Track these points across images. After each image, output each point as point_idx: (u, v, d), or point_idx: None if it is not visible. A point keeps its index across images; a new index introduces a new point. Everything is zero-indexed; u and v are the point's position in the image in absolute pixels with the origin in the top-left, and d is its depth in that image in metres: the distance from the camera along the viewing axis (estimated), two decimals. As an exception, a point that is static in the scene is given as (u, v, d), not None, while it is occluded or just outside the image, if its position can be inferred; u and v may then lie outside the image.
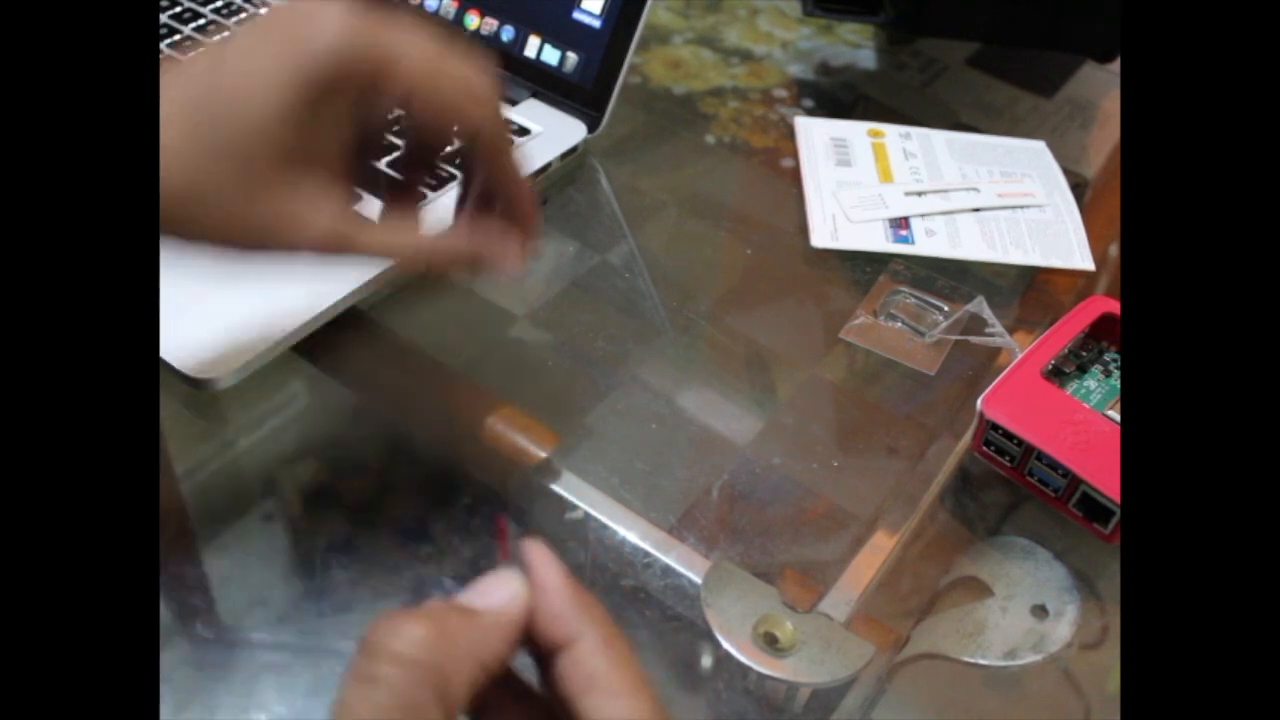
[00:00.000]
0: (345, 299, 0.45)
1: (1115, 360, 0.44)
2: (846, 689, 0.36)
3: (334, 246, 0.33)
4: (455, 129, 0.33)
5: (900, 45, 0.71)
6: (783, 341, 0.49)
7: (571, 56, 0.56)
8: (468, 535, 0.39)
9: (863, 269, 0.52)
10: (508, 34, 0.58)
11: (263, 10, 0.43)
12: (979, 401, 0.40)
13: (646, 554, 0.39)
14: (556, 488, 0.41)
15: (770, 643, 0.36)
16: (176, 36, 0.53)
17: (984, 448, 0.42)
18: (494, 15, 0.58)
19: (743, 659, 0.35)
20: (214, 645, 0.35)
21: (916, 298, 0.50)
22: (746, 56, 0.68)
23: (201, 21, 0.53)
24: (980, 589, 0.39)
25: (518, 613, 0.25)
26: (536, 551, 0.26)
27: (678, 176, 0.58)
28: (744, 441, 0.44)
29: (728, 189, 0.59)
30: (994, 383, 0.41)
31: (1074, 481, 0.39)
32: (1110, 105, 0.68)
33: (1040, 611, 0.38)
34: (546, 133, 0.55)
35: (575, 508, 0.40)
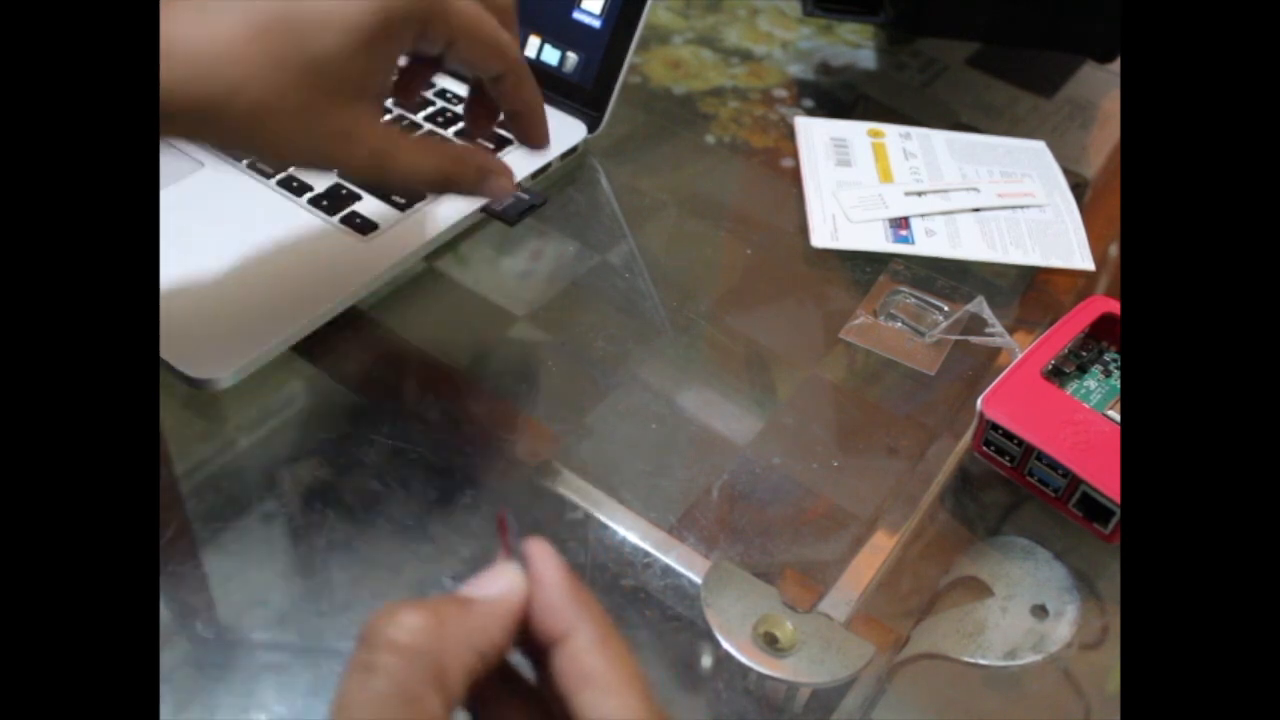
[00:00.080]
0: (345, 299, 0.45)
1: (1115, 360, 0.44)
2: (846, 689, 0.36)
3: (376, 165, 0.38)
4: (487, 69, 0.40)
5: (900, 45, 0.71)
6: (783, 341, 0.49)
7: (571, 56, 0.56)
8: (468, 535, 0.39)
9: (863, 269, 0.52)
10: (508, 34, 0.58)
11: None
12: (979, 401, 0.40)
13: (646, 554, 0.39)
14: (556, 488, 0.41)
15: (770, 643, 0.36)
16: None
17: (984, 448, 0.42)
18: (494, 15, 0.58)
19: (743, 659, 0.35)
20: (214, 645, 0.35)
21: (916, 298, 0.50)
22: (746, 56, 0.68)
23: None
24: (980, 589, 0.39)
25: (515, 603, 0.25)
26: (538, 547, 0.26)
27: (678, 176, 0.58)
28: (744, 441, 0.44)
29: (728, 189, 0.59)
30: (994, 383, 0.41)
31: (1074, 481, 0.39)
32: (1110, 105, 0.68)
33: (1040, 611, 0.38)
34: (546, 133, 0.55)
35: (575, 508, 0.40)
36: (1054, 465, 0.39)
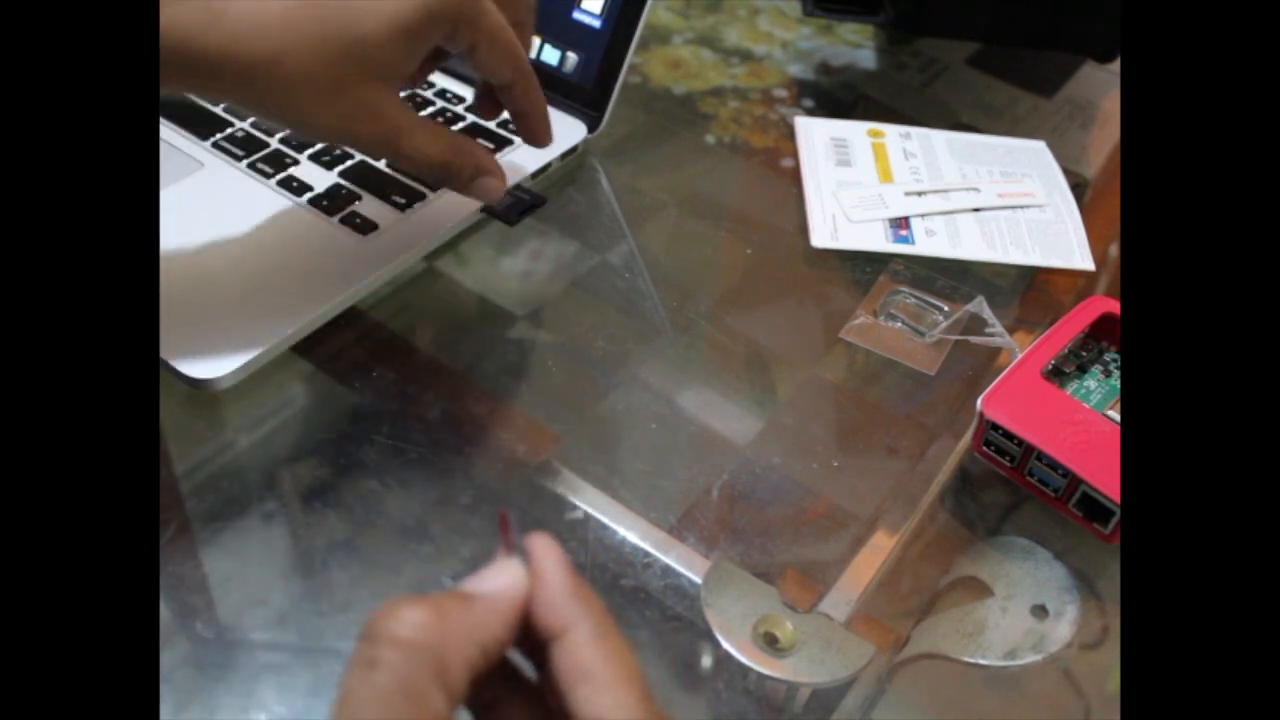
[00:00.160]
0: (345, 299, 0.45)
1: (1115, 360, 0.44)
2: (846, 689, 0.36)
3: (391, 142, 0.41)
4: (500, 75, 0.44)
5: (900, 45, 0.71)
6: (783, 341, 0.49)
7: (571, 56, 0.56)
8: (468, 535, 0.39)
9: (863, 269, 0.52)
10: (508, 34, 0.58)
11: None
12: (979, 401, 0.40)
13: (646, 554, 0.39)
14: (556, 488, 0.41)
15: (770, 643, 0.36)
16: None
17: (984, 448, 0.42)
18: (494, 15, 0.58)
19: (743, 659, 0.35)
20: (214, 645, 0.35)
21: (916, 298, 0.50)
22: (746, 56, 0.68)
23: None
24: (980, 589, 0.39)
25: (517, 598, 0.25)
26: (541, 543, 0.26)
27: (678, 176, 0.58)
28: (744, 441, 0.44)
29: (728, 189, 0.59)
30: (994, 383, 0.41)
31: (1074, 481, 0.39)
32: (1110, 105, 0.68)
33: (1040, 611, 0.38)
34: (546, 133, 0.55)
35: (575, 508, 0.40)
36: (1054, 465, 0.39)
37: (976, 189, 0.56)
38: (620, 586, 0.38)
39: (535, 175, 0.54)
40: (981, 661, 0.37)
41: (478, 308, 0.49)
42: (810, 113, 0.63)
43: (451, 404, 0.44)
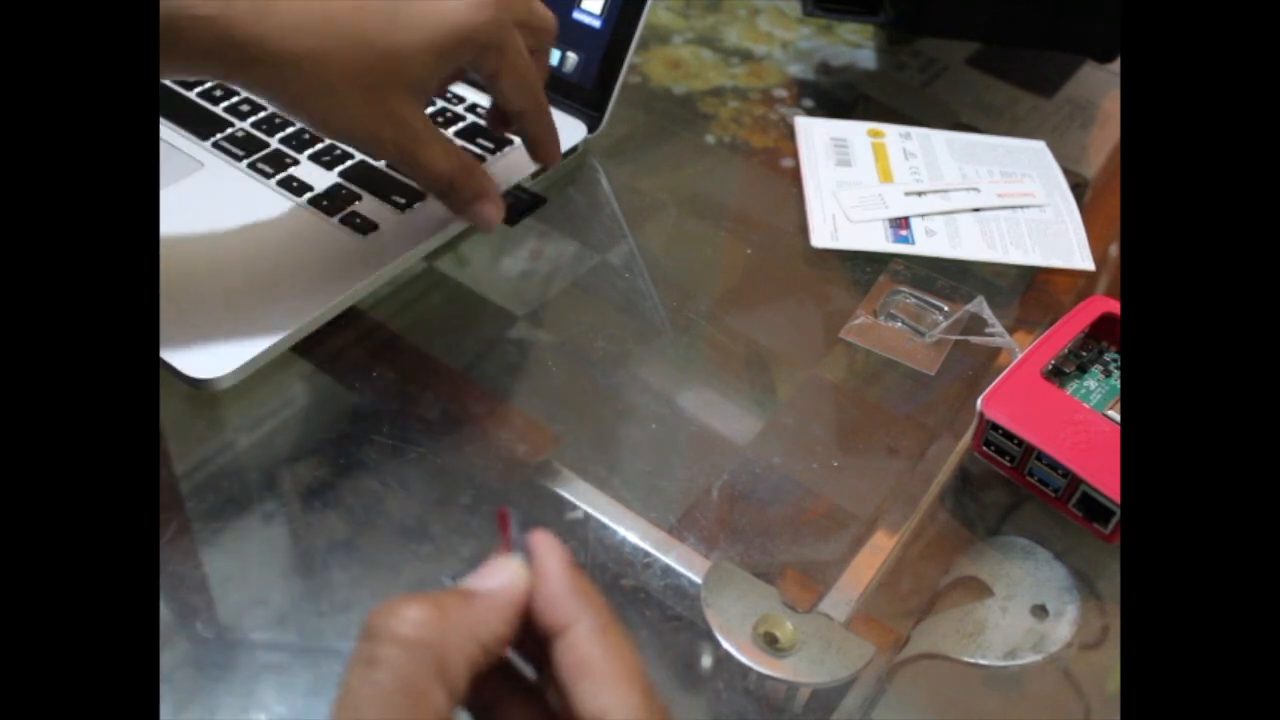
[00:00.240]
0: (345, 299, 0.45)
1: (1115, 360, 0.44)
2: (846, 689, 0.36)
3: (408, 151, 0.43)
4: (516, 104, 0.46)
5: (900, 45, 0.71)
6: (783, 341, 0.49)
7: (571, 56, 0.56)
8: (468, 535, 0.39)
9: (863, 269, 0.52)
10: (508, 34, 0.58)
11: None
12: (979, 401, 0.40)
13: (646, 554, 0.39)
14: (556, 488, 0.41)
15: (770, 643, 0.36)
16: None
17: (984, 448, 0.42)
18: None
19: (743, 659, 0.35)
20: (214, 645, 0.35)
21: (916, 298, 0.50)
22: (746, 56, 0.68)
23: (260, 115, 0.53)
24: (980, 589, 0.39)
25: (517, 594, 0.25)
26: (542, 540, 0.26)
27: (678, 176, 0.58)
28: (744, 441, 0.44)
29: (728, 189, 0.59)
30: (994, 383, 0.41)
31: (1074, 481, 0.39)
32: (1110, 105, 0.68)
33: (1040, 611, 0.38)
34: (546, 133, 0.55)
35: (575, 508, 0.40)
36: (1054, 465, 0.39)
37: (976, 189, 0.56)
38: (620, 586, 0.38)
39: (535, 175, 0.54)
40: (981, 661, 0.37)
41: (478, 308, 0.49)
42: (810, 113, 0.63)
43: (451, 404, 0.44)
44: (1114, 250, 0.55)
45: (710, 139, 0.61)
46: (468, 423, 0.43)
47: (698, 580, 0.38)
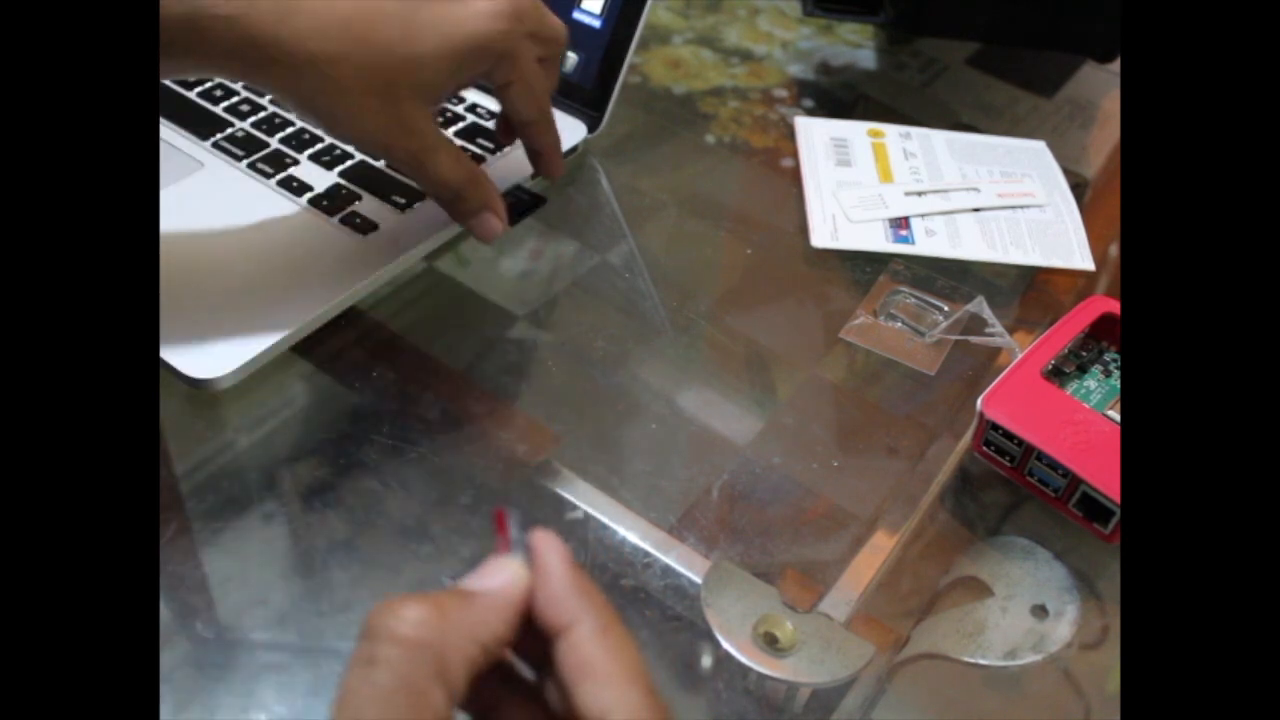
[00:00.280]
0: (345, 299, 0.45)
1: (1115, 360, 0.44)
2: (846, 689, 0.36)
3: (418, 159, 0.43)
4: (524, 115, 0.47)
5: (900, 45, 0.71)
6: (783, 341, 0.49)
7: (571, 56, 0.56)
8: (468, 535, 0.39)
9: (863, 269, 0.52)
10: (508, 34, 0.58)
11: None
12: (979, 401, 0.40)
13: (646, 554, 0.39)
14: (556, 488, 0.41)
15: (770, 643, 0.36)
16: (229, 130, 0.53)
17: (984, 448, 0.42)
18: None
19: (743, 659, 0.35)
20: (214, 645, 0.35)
21: (916, 298, 0.50)
22: (746, 56, 0.68)
23: (260, 115, 0.54)
24: (980, 589, 0.39)
25: (516, 594, 0.25)
26: (543, 539, 0.26)
27: (678, 176, 0.58)
28: (744, 441, 0.44)
29: (728, 189, 0.59)
30: (994, 383, 0.41)
31: (1074, 481, 0.39)
32: (1110, 105, 0.68)
33: (1040, 611, 0.38)
34: (546, 133, 0.55)
35: (575, 508, 0.40)
36: (1054, 465, 0.39)
37: (976, 189, 0.56)
38: (620, 586, 0.38)
39: (535, 175, 0.54)
40: (981, 661, 0.37)
41: (478, 308, 0.49)
42: (810, 113, 0.63)
43: (451, 404, 0.44)
44: (1114, 250, 0.55)
45: (710, 139, 0.61)
46: (468, 423, 0.43)
47: (698, 580, 0.38)
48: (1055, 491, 0.40)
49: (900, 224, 0.54)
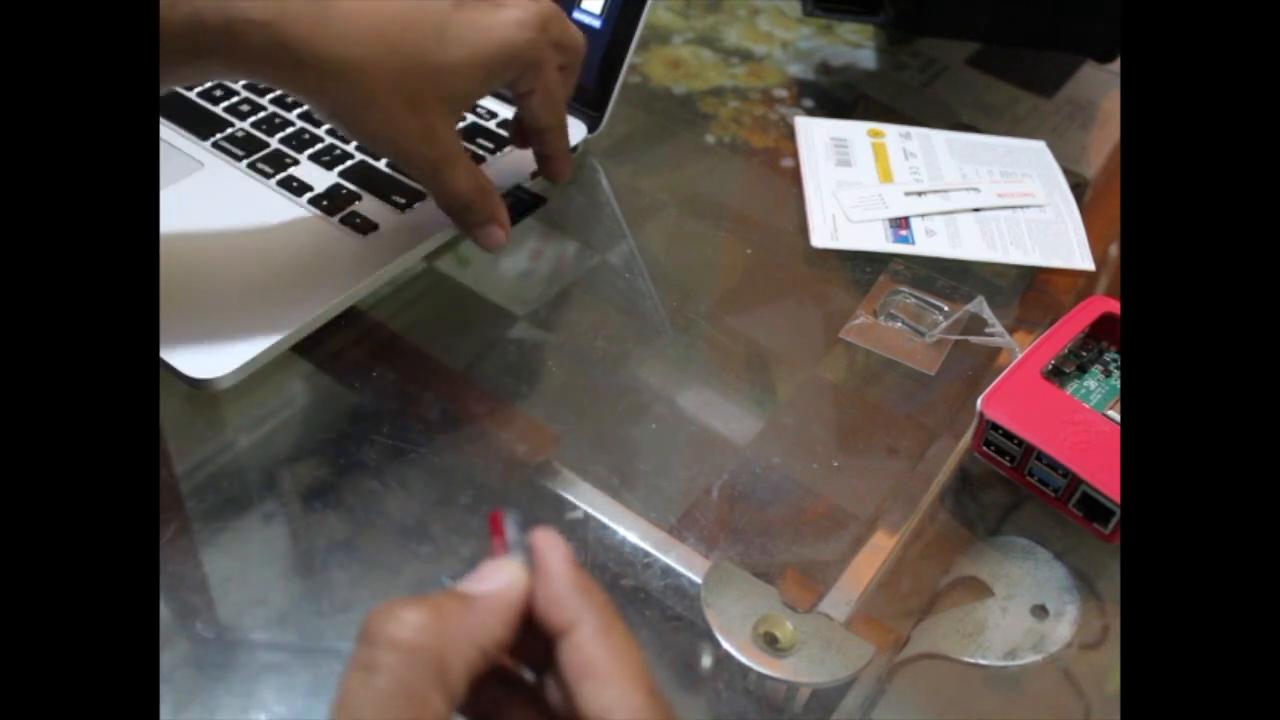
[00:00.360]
0: (345, 299, 0.45)
1: (1115, 360, 0.44)
2: (846, 689, 0.36)
3: (435, 169, 0.43)
4: (542, 122, 0.47)
5: (900, 45, 0.71)
6: (783, 341, 0.49)
7: (571, 56, 0.56)
8: (468, 535, 0.39)
9: (863, 269, 0.52)
10: (508, 34, 0.57)
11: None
12: (979, 401, 0.40)
13: (646, 554, 0.39)
14: (556, 488, 0.41)
15: (770, 643, 0.36)
16: (230, 129, 0.53)
17: (984, 448, 0.42)
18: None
19: (743, 659, 0.35)
20: (214, 645, 0.35)
21: (916, 298, 0.50)
22: (746, 56, 0.68)
23: (260, 115, 0.54)
24: (980, 589, 0.39)
25: (516, 597, 0.25)
26: (545, 538, 0.26)
27: (678, 176, 0.58)
28: (744, 441, 0.44)
29: (728, 189, 0.59)
30: (994, 383, 0.41)
31: (1074, 481, 0.39)
32: (1110, 105, 0.68)
33: (1040, 611, 0.38)
34: (546, 133, 0.55)
35: (575, 508, 0.40)
36: (1054, 465, 0.39)
37: (976, 189, 0.56)
38: (620, 586, 0.38)
39: (535, 175, 0.54)
40: (981, 661, 0.37)
41: (478, 308, 0.49)
42: (810, 113, 0.63)
43: (451, 404, 0.44)
44: (1114, 250, 0.55)
45: (710, 139, 0.61)
46: (468, 423, 0.43)
47: (698, 580, 0.38)
48: (1055, 491, 0.40)
49: (900, 224, 0.54)
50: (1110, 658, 0.38)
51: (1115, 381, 0.43)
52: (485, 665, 0.25)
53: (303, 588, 0.37)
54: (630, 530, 0.40)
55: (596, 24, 0.55)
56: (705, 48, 0.69)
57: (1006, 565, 0.40)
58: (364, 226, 0.48)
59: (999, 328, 0.48)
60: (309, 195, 0.49)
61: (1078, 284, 0.53)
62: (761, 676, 0.35)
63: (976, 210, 0.55)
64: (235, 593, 0.37)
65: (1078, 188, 0.58)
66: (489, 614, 0.25)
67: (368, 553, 0.38)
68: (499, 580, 0.26)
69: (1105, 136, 0.65)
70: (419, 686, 0.23)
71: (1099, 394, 0.43)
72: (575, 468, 0.42)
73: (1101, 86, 0.69)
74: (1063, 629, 0.38)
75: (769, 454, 0.43)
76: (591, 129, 0.56)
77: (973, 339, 0.48)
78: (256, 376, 0.43)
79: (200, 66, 0.38)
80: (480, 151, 0.54)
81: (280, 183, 0.50)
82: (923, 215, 0.54)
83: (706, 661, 0.36)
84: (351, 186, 0.50)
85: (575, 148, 0.55)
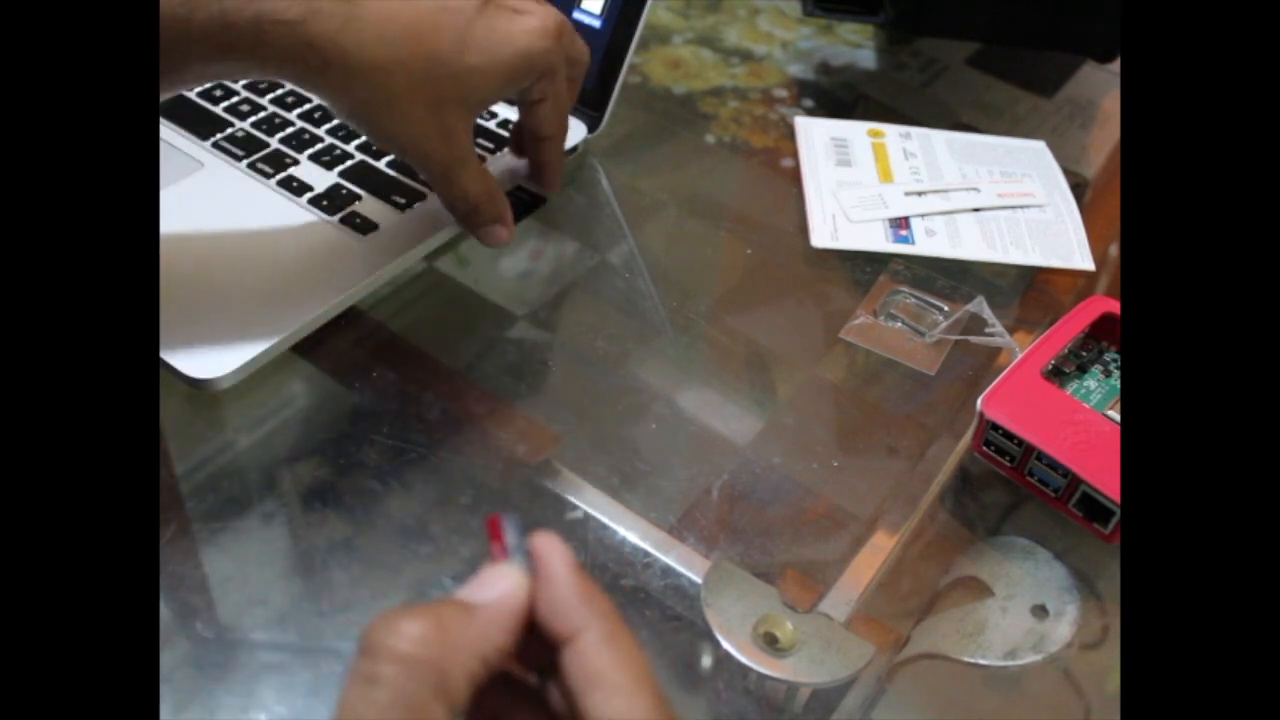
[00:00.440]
0: (345, 299, 0.45)
1: (1115, 360, 0.44)
2: (846, 689, 0.36)
3: (448, 170, 0.44)
4: (545, 131, 0.48)
5: (900, 45, 0.71)
6: (783, 341, 0.49)
7: (571, 56, 0.56)
8: (468, 535, 0.39)
9: (863, 269, 0.52)
10: (508, 34, 0.57)
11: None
12: (979, 401, 0.40)
13: (646, 554, 0.39)
14: (556, 488, 0.41)
15: (770, 643, 0.36)
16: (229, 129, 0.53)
17: (984, 448, 0.42)
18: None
19: (743, 659, 0.35)
20: (214, 645, 0.35)
21: (916, 298, 0.50)
22: (746, 56, 0.68)
23: (260, 115, 0.54)
24: (980, 589, 0.39)
25: (517, 604, 0.25)
26: (547, 543, 0.26)
27: (678, 176, 0.58)
28: (744, 441, 0.44)
29: (728, 189, 0.59)
30: (994, 383, 0.41)
31: (1074, 481, 0.39)
32: (1110, 105, 0.68)
33: (1040, 611, 0.38)
34: (546, 133, 0.55)
35: (575, 508, 0.40)
36: (1054, 465, 0.39)
37: (976, 189, 0.56)
38: (620, 586, 0.38)
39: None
40: (981, 661, 0.37)
41: (478, 308, 0.49)
42: (810, 113, 0.63)
43: (451, 404, 0.44)
44: (1114, 250, 0.55)
45: (710, 139, 0.61)
46: (468, 423, 0.43)
47: (698, 580, 0.38)
48: (1055, 491, 0.40)
49: (900, 224, 0.54)
50: (1110, 658, 0.38)
51: (1115, 381, 0.43)
52: (487, 674, 0.24)
53: (303, 588, 0.37)
54: (630, 530, 0.40)
55: (596, 24, 0.55)
56: (705, 48, 0.69)
57: (1006, 565, 0.40)
58: (364, 226, 0.48)
59: (999, 328, 0.48)
60: (309, 195, 0.49)
61: (1078, 284, 0.53)
62: (761, 676, 0.35)
63: (976, 210, 0.55)
64: (235, 593, 0.37)
65: (1078, 188, 0.58)
66: (490, 623, 0.25)
67: (368, 553, 0.38)
68: (500, 587, 0.25)
69: (1105, 136, 0.65)
70: (420, 699, 0.23)
71: (1099, 394, 0.43)
72: (575, 468, 0.42)
73: (1101, 86, 0.69)
74: (1063, 629, 0.38)
75: (769, 454, 0.43)
76: (591, 129, 0.56)
77: (973, 339, 0.48)
78: (256, 376, 0.43)
79: (226, 65, 0.38)
80: (480, 151, 0.54)
81: (280, 183, 0.50)
82: (923, 215, 0.54)
83: (706, 661, 0.36)
84: (351, 186, 0.50)
85: (575, 148, 0.55)
